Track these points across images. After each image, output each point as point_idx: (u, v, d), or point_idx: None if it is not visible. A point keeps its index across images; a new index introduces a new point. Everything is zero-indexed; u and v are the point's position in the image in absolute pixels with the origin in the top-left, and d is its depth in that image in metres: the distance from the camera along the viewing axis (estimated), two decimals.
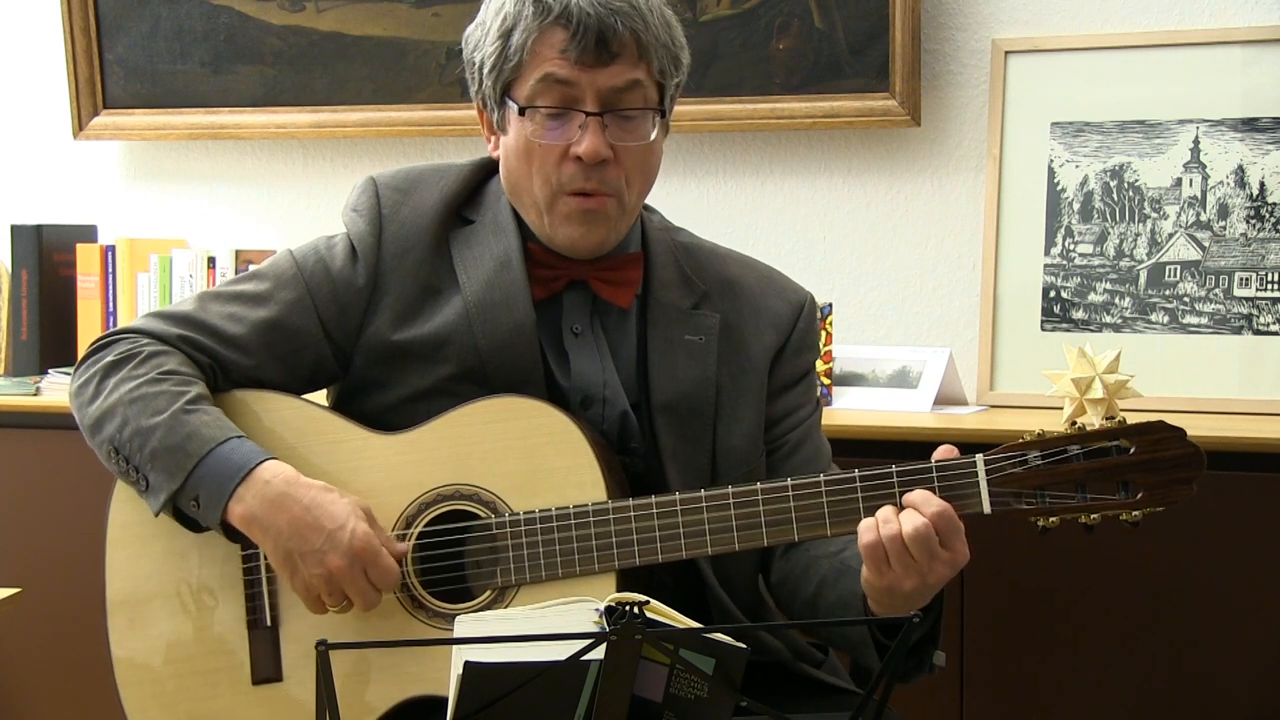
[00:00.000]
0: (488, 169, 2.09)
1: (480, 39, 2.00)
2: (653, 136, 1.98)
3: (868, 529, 1.81)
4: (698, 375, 2.04)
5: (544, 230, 2.01)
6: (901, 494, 1.83)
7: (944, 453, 1.87)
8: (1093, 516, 1.84)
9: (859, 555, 1.92)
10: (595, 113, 1.93)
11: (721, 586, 2.02)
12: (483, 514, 1.94)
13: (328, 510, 1.88)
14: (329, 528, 1.88)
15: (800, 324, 2.12)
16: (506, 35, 1.95)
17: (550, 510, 1.92)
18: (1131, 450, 1.84)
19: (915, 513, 1.80)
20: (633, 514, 1.90)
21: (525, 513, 1.92)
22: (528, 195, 1.99)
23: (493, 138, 2.04)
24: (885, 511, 1.81)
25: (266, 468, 1.90)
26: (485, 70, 1.98)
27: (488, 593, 1.93)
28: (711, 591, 2.01)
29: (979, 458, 1.84)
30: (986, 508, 1.83)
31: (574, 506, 1.91)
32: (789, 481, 1.89)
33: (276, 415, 2.01)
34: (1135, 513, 1.84)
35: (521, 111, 1.95)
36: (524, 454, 1.94)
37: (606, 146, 1.94)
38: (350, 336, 2.04)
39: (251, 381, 2.03)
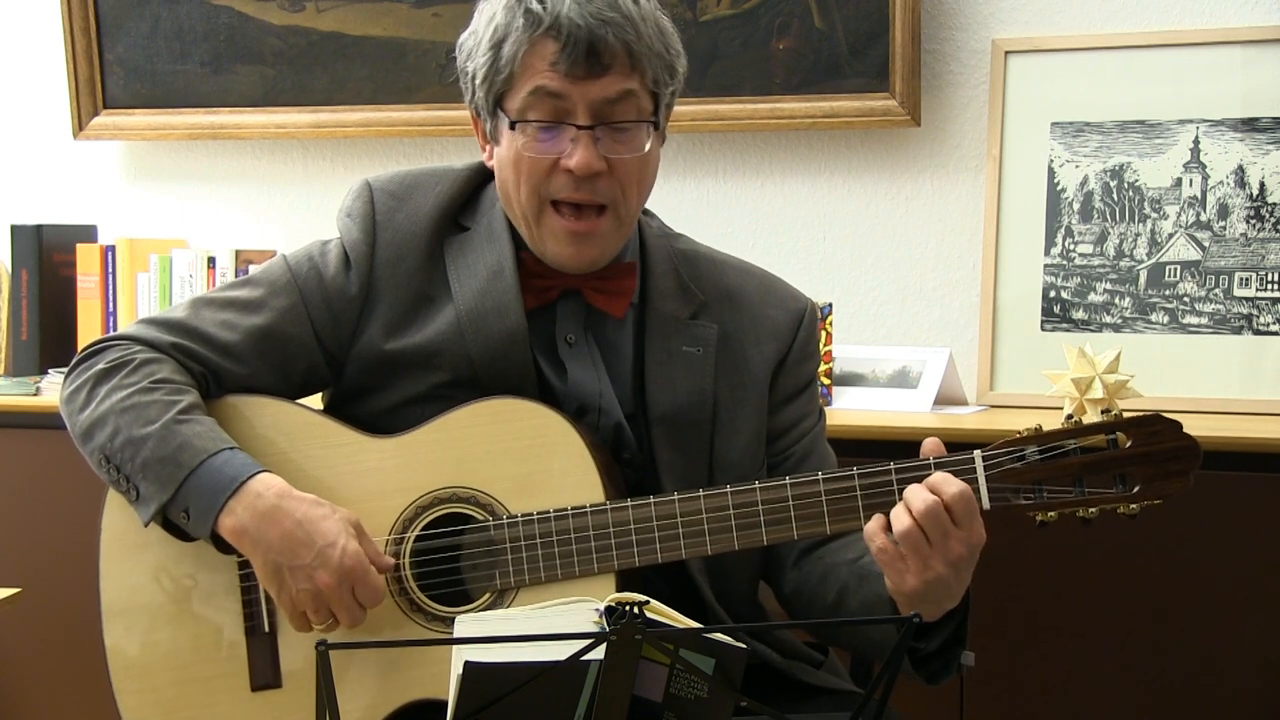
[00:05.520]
0: (484, 174, 2.07)
1: (473, 48, 1.97)
2: (646, 148, 1.95)
3: (872, 535, 1.80)
4: (695, 387, 2.03)
5: (535, 243, 2.00)
6: (900, 490, 1.83)
7: (931, 445, 1.86)
8: (1090, 510, 1.84)
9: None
10: (587, 126, 1.91)
11: (718, 600, 2.01)
12: (480, 516, 1.94)
13: (319, 527, 1.87)
14: (320, 544, 1.87)
15: (801, 333, 2.10)
16: (498, 46, 1.92)
17: (548, 512, 1.91)
18: (1128, 444, 1.84)
19: (925, 492, 1.79)
20: (631, 514, 1.90)
21: (523, 515, 1.92)
22: (517, 206, 1.98)
23: (487, 146, 2.02)
24: (893, 511, 1.80)
25: (259, 480, 1.89)
26: (478, 81, 1.96)
27: (487, 595, 1.93)
28: (708, 605, 2.00)
29: (977, 454, 1.84)
30: (985, 503, 1.83)
31: (572, 508, 1.91)
32: (787, 480, 1.89)
33: (270, 420, 2.00)
34: (1132, 505, 1.84)
35: (513, 125, 1.93)
36: (521, 456, 1.93)
37: (599, 159, 1.92)
38: (343, 345, 2.03)
39: (245, 388, 2.02)
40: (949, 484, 1.79)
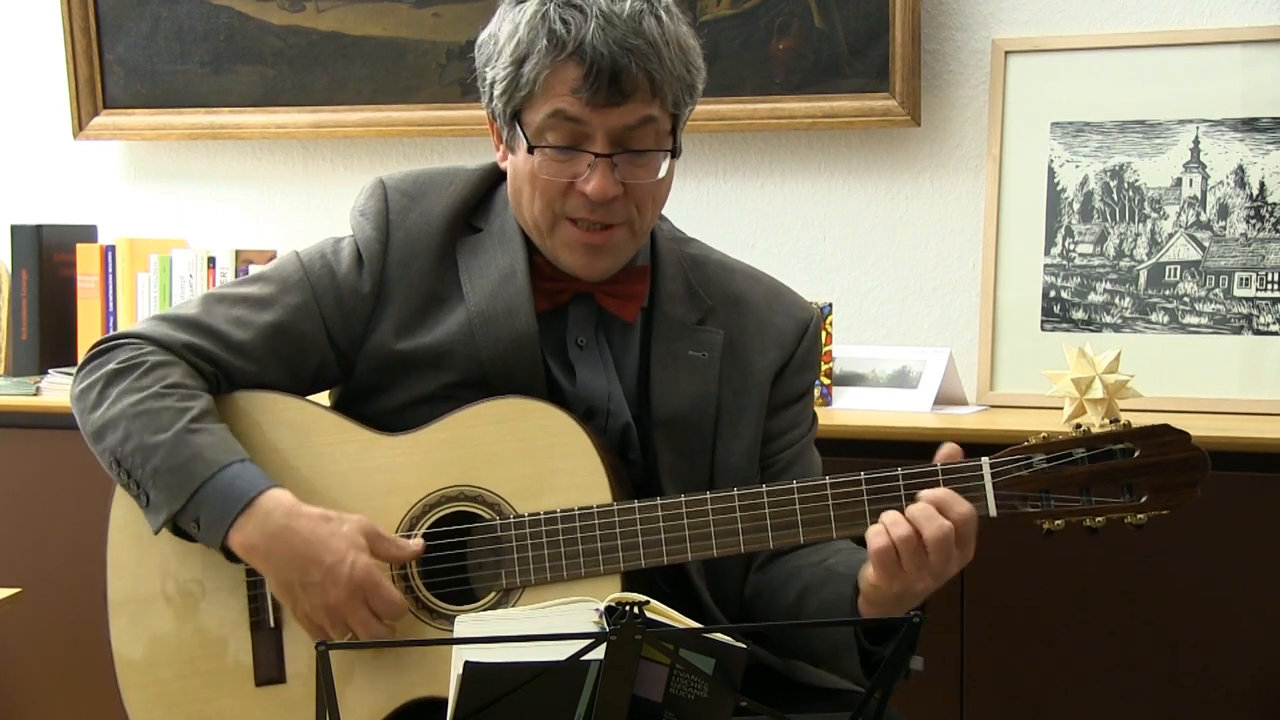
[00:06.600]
0: (497, 175, 2.06)
1: (492, 56, 1.96)
2: (662, 173, 1.95)
3: (877, 534, 1.79)
4: (699, 392, 2.03)
5: (548, 252, 2.00)
6: (907, 496, 1.83)
7: (948, 451, 1.86)
8: (1097, 520, 1.84)
9: (846, 562, 1.92)
10: (605, 154, 1.90)
11: (714, 599, 2.02)
12: (487, 515, 1.94)
13: (328, 544, 1.87)
14: (328, 561, 1.87)
15: (805, 342, 2.10)
16: (519, 63, 1.91)
17: (555, 512, 1.91)
18: (1136, 453, 1.83)
19: (937, 515, 1.78)
20: (638, 516, 1.90)
21: (530, 514, 1.92)
22: (530, 217, 1.98)
23: (501, 148, 2.02)
24: (892, 514, 1.80)
25: (268, 497, 1.89)
26: (496, 91, 1.95)
27: (492, 594, 1.93)
28: (705, 606, 2.00)
29: (984, 461, 1.84)
30: (992, 510, 1.83)
31: (579, 508, 1.91)
32: (794, 484, 1.89)
33: (281, 416, 2.00)
34: (1140, 515, 1.83)
35: (530, 149, 1.92)
36: (529, 456, 1.93)
37: (615, 185, 1.91)
38: (354, 343, 2.03)
39: (255, 385, 2.02)
40: (957, 505, 1.79)
